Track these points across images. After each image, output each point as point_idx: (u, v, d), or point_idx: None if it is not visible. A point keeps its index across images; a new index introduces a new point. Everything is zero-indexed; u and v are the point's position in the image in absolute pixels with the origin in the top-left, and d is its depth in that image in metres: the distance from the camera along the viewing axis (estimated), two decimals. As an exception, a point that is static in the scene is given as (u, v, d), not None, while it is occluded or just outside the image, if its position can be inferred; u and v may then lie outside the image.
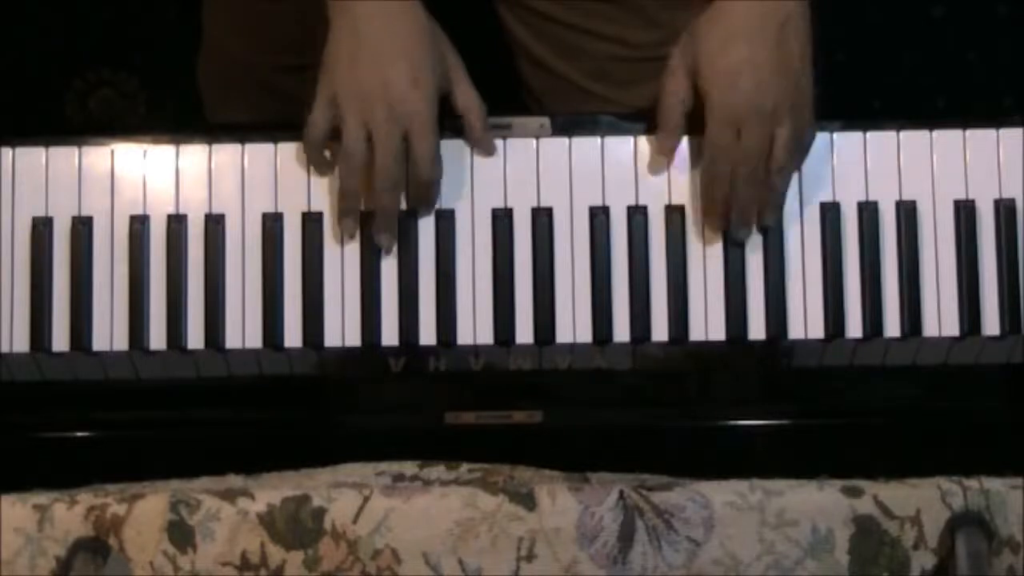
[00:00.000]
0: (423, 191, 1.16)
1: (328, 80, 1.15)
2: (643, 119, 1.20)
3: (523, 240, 1.18)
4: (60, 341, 1.18)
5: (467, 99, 1.17)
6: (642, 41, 1.29)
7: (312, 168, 1.19)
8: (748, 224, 1.17)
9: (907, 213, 1.19)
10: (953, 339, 1.18)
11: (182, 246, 1.18)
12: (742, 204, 1.16)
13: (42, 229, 1.18)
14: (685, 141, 1.19)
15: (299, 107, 1.19)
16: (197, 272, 1.18)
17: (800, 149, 1.16)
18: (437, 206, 1.18)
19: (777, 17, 1.15)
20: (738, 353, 1.18)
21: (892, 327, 1.18)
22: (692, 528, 1.02)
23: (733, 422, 1.22)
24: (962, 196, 1.19)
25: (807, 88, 1.16)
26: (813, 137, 1.17)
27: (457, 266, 1.18)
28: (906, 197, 1.19)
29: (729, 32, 1.15)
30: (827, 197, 1.19)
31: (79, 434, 1.20)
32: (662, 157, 1.18)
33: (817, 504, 1.02)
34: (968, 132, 1.20)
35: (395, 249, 1.18)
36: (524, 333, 1.18)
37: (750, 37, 1.14)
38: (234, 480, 1.09)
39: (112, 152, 1.20)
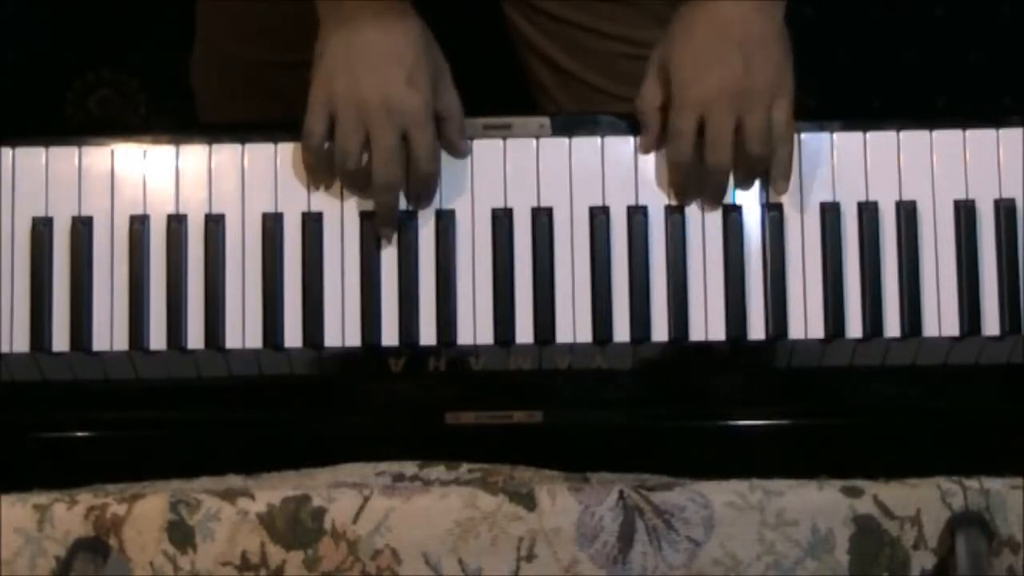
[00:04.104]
0: (423, 186, 1.17)
1: (323, 86, 1.16)
2: (643, 119, 1.20)
3: (523, 240, 1.19)
4: (60, 341, 1.18)
5: (449, 105, 1.18)
6: (651, 40, 1.29)
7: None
8: (716, 206, 1.18)
9: (907, 213, 1.19)
10: (953, 339, 1.18)
11: (182, 246, 1.18)
12: (707, 191, 1.17)
13: (42, 229, 1.18)
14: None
15: (292, 104, 1.19)
16: (197, 272, 1.18)
17: (779, 139, 1.16)
18: (437, 206, 1.19)
19: (743, 10, 1.15)
20: (738, 353, 1.18)
21: (892, 327, 1.18)
22: (692, 528, 1.02)
23: (733, 422, 1.22)
24: (962, 196, 1.19)
25: (778, 77, 1.15)
26: (791, 129, 1.16)
27: (457, 266, 1.18)
28: (906, 197, 1.19)
29: (696, 25, 1.16)
30: (827, 197, 1.19)
31: (79, 434, 1.20)
32: (657, 152, 1.19)
33: (817, 504, 1.02)
34: (968, 132, 1.20)
35: (395, 249, 1.18)
36: (524, 333, 1.18)
37: (716, 28, 1.15)
38: (234, 480, 1.08)
39: (112, 152, 1.20)
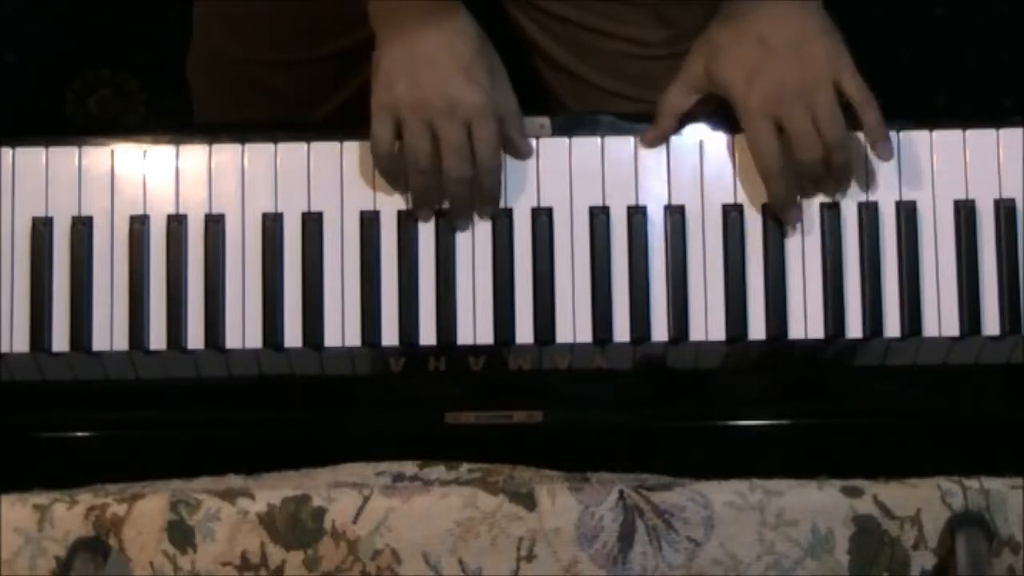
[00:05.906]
0: (488, 179, 1.17)
1: (385, 92, 1.17)
2: (643, 119, 1.20)
3: (523, 240, 1.19)
4: (60, 341, 1.18)
5: (507, 104, 1.19)
6: (655, 39, 1.30)
7: (313, 168, 1.19)
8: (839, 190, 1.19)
9: (907, 213, 1.19)
10: (953, 339, 1.18)
11: (182, 246, 1.18)
12: (811, 188, 1.18)
13: (42, 229, 1.18)
14: (689, 142, 1.19)
15: (287, 104, 1.19)
16: (197, 272, 1.18)
17: (860, 107, 1.16)
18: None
19: (778, 13, 1.15)
20: (739, 353, 1.18)
21: (892, 327, 1.18)
22: (692, 528, 1.02)
23: (733, 422, 1.22)
24: (962, 196, 1.19)
25: (830, 59, 1.16)
26: (867, 94, 1.17)
27: (457, 266, 1.18)
28: (906, 197, 1.19)
29: (737, 37, 1.17)
30: (827, 197, 1.19)
31: (79, 434, 1.20)
32: (657, 152, 1.19)
33: (817, 504, 1.02)
34: (968, 132, 1.20)
35: (395, 249, 1.18)
36: (524, 333, 1.18)
37: (756, 36, 1.16)
38: (234, 480, 1.08)
39: (112, 152, 1.20)
